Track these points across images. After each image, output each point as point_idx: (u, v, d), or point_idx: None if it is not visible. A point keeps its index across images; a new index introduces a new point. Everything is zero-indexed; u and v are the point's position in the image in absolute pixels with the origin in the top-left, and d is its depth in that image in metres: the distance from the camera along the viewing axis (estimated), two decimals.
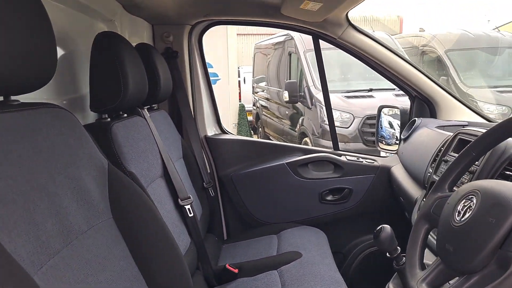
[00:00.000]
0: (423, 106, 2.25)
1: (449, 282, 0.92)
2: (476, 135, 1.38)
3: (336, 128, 6.19)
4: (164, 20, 2.18)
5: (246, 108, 9.24)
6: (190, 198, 1.70)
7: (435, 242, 1.22)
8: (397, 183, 2.03)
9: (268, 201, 2.29)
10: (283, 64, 7.77)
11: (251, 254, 1.95)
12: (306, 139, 6.59)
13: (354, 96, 6.35)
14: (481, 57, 7.57)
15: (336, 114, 6.16)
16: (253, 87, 9.94)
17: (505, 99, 6.32)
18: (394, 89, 6.57)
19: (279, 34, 8.22)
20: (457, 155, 1.06)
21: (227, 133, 2.48)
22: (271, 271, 1.70)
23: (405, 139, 2.12)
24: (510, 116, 0.96)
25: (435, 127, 1.99)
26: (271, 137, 8.68)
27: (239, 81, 10.16)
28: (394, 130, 2.50)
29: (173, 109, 2.24)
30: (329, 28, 2.14)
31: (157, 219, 1.16)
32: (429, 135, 1.84)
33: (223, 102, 8.61)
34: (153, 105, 1.94)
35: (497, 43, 7.98)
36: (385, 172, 2.24)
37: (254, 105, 9.90)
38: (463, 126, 2.03)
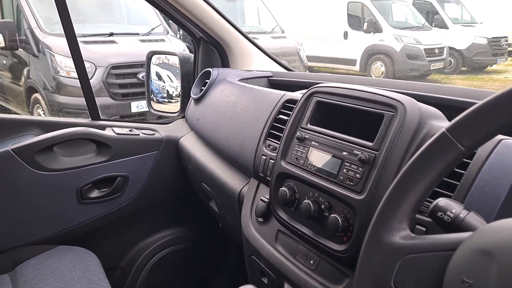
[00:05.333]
0: (212, 51, 1.67)
1: None
2: (339, 94, 0.87)
3: (73, 79, 5.17)
4: None
5: None
6: None
7: None
8: (196, 164, 1.42)
9: None
10: None
11: None
12: (37, 95, 5.32)
13: (93, 41, 5.35)
14: None
15: (72, 63, 5.09)
16: None
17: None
18: (138, 34, 5.91)
19: None
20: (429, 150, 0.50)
21: None
22: None
23: (199, 99, 1.51)
24: None
25: (239, 80, 1.45)
26: None
27: None
28: (164, 82, 1.87)
29: None
30: None
31: None
32: (242, 95, 1.28)
33: None
34: None
35: None
36: (172, 146, 1.60)
37: None
38: (268, 77, 1.57)
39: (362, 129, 0.83)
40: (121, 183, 1.52)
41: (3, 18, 5.83)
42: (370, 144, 0.76)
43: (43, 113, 5.25)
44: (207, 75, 1.53)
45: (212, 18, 1.56)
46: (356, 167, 0.77)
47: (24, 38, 5.41)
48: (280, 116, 1.05)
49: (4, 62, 5.96)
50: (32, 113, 5.48)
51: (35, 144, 1.37)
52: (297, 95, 1.06)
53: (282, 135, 0.97)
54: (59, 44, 5.03)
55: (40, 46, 5.20)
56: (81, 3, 5.91)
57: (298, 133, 0.92)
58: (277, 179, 0.93)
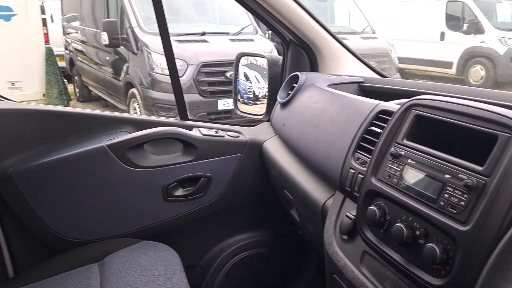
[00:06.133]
0: (301, 54, 1.63)
1: None
2: (443, 109, 0.78)
3: (166, 76, 5.44)
4: None
5: (56, 52, 7.61)
6: None
7: None
8: (279, 169, 1.39)
9: (80, 208, 1.43)
10: (99, 0, 6.48)
11: None
12: (133, 90, 5.68)
13: (186, 40, 5.57)
14: None
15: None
16: (63, 26, 8.28)
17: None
18: (228, 33, 6.05)
19: None
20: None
21: None
22: None
23: (285, 104, 1.48)
24: None
25: (328, 85, 1.39)
26: (91, 87, 7.41)
27: (44, 19, 8.29)
28: (251, 83, 1.86)
29: None
30: None
31: None
32: (331, 102, 1.22)
33: (22, 44, 6.91)
34: None
35: None
36: (256, 149, 1.58)
37: (66, 48, 8.30)
38: (359, 82, 1.49)
39: (467, 149, 0.74)
40: (204, 183, 1.54)
41: (108, 17, 6.28)
42: (479, 168, 0.67)
43: (138, 107, 5.58)
44: (295, 79, 1.49)
45: (303, 20, 1.52)
46: (460, 193, 0.68)
47: (125, 36, 5.78)
48: (372, 128, 0.97)
49: (107, 58, 6.44)
50: (128, 107, 5.85)
51: (127, 141, 1.43)
52: (393, 105, 0.98)
53: (373, 149, 0.90)
54: (156, 42, 5.31)
55: (139, 44, 5.52)
56: (178, 3, 6.19)
57: (393, 148, 0.84)
58: (366, 196, 0.87)
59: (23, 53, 6.99)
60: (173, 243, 1.43)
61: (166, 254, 1.34)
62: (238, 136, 1.59)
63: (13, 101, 1.48)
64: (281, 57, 1.71)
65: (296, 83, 1.47)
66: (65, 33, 8.26)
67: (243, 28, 6.13)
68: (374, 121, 0.98)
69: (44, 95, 7.24)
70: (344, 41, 1.63)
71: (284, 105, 1.48)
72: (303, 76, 1.46)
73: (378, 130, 0.94)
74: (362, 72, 1.60)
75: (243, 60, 1.86)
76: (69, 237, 1.43)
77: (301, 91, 1.42)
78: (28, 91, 7.13)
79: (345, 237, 0.94)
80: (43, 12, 8.38)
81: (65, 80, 7.51)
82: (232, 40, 5.91)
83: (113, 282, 1.18)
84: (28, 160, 1.37)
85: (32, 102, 6.55)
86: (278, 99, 1.53)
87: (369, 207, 0.83)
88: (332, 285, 0.97)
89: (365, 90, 1.45)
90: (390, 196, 0.81)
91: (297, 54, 1.63)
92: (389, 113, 0.95)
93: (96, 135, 1.46)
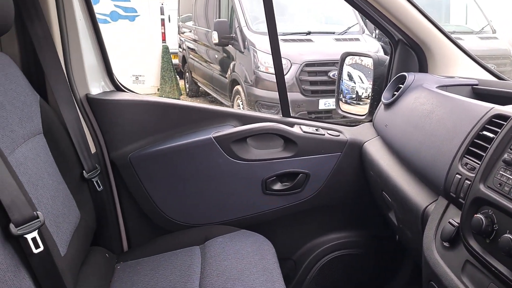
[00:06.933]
0: (409, 54, 1.57)
1: None
2: None
3: (270, 74, 5.55)
4: None
5: (170, 50, 8.21)
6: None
7: None
8: (379, 171, 1.37)
9: (187, 194, 1.55)
10: (212, 1, 6.83)
11: (158, 282, 1.24)
12: (238, 87, 5.90)
13: (291, 39, 5.64)
14: None
15: (270, 60, 5.47)
16: (179, 26, 8.89)
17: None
18: (333, 33, 5.99)
19: None
20: None
21: (125, 91, 1.64)
22: None
23: (390, 105, 1.45)
24: None
25: (437, 87, 1.33)
26: (199, 83, 7.87)
27: (162, 20, 8.99)
28: (354, 83, 1.84)
29: (27, 54, 1.37)
30: None
31: None
32: (439, 104, 1.17)
33: (143, 42, 7.58)
34: None
35: None
36: (356, 149, 1.57)
37: (180, 46, 8.92)
38: (473, 85, 1.40)
39: None
40: (302, 180, 1.57)
41: (219, 18, 6.59)
42: None
43: (241, 103, 5.79)
44: (402, 79, 1.45)
45: (413, 18, 1.47)
46: None
47: (233, 35, 6.03)
48: (484, 132, 0.92)
49: (216, 56, 6.77)
50: (232, 103, 6.11)
51: (232, 135, 1.52)
52: (509, 110, 0.92)
53: (484, 154, 0.85)
54: (262, 41, 5.46)
55: (246, 42, 5.71)
56: (285, 3, 6.29)
57: (506, 155, 0.79)
58: (472, 203, 0.82)
59: (144, 50, 7.67)
60: (269, 235, 1.49)
61: (262, 244, 1.39)
62: (338, 135, 1.59)
63: (136, 93, 1.65)
64: (387, 57, 1.67)
65: (402, 84, 1.43)
66: (179, 32, 8.85)
67: (349, 28, 6.02)
68: (487, 126, 0.92)
69: (158, 89, 7.87)
70: (459, 42, 1.55)
71: (388, 106, 1.45)
72: (410, 76, 1.41)
73: (491, 135, 0.89)
74: (477, 74, 1.50)
75: (348, 60, 1.85)
76: (175, 220, 1.56)
77: (407, 92, 1.38)
78: (146, 85, 7.84)
79: (446, 244, 0.90)
80: (162, 12, 9.08)
81: (177, 76, 8.07)
82: (337, 39, 5.84)
83: (213, 265, 1.27)
84: (146, 146, 1.52)
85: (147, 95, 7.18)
86: (383, 99, 1.50)
87: (475, 215, 0.80)
88: None
89: (479, 93, 1.37)
90: (500, 205, 0.76)
91: (406, 54, 1.58)
92: (504, 117, 0.89)
93: (205, 127, 1.57)
